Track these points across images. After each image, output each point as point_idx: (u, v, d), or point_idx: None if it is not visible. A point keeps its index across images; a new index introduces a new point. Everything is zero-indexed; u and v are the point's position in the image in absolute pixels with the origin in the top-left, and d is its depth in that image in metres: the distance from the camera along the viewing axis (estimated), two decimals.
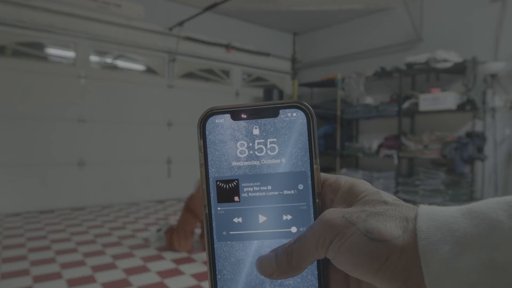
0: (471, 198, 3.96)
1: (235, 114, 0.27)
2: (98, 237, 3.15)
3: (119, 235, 3.23)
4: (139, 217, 3.98)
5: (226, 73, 5.85)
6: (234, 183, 0.27)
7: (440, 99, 4.04)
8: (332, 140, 5.42)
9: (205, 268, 2.50)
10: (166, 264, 2.55)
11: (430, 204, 0.24)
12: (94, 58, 4.59)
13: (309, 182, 0.27)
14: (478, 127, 4.10)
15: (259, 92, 6.15)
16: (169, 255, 2.73)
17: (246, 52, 5.91)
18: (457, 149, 3.96)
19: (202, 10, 4.55)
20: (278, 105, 0.27)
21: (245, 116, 0.27)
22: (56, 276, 2.28)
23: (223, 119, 0.27)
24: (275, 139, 0.27)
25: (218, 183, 0.27)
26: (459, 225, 0.21)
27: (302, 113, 0.27)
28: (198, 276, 2.34)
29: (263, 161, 0.27)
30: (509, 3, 4.00)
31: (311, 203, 0.27)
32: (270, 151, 0.27)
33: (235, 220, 0.27)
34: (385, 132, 5.07)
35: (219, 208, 0.27)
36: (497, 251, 0.19)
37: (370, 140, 5.26)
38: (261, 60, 6.13)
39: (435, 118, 4.57)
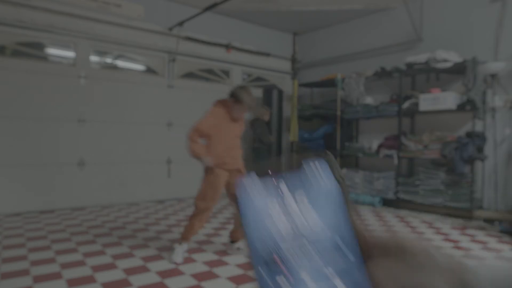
0: (471, 198, 3.96)
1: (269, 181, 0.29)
2: (98, 237, 3.15)
3: (119, 235, 3.23)
4: (139, 217, 3.98)
5: (226, 73, 5.85)
6: (276, 250, 0.27)
7: (440, 99, 4.04)
8: (332, 140, 5.41)
9: (204, 269, 2.50)
10: (166, 264, 2.55)
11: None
12: (94, 58, 4.59)
13: (348, 235, 0.27)
14: (478, 127, 4.10)
15: (259, 92, 6.15)
16: (169, 255, 2.73)
17: (246, 52, 5.91)
18: (457, 149, 3.96)
19: (202, 10, 4.55)
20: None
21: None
22: (56, 276, 2.28)
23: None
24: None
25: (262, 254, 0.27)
26: None
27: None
28: (198, 276, 2.34)
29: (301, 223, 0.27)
30: (509, 3, 4.00)
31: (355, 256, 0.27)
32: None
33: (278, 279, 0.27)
34: (385, 132, 5.07)
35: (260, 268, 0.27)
36: None
37: (370, 140, 5.26)
38: (261, 60, 6.13)
39: (435, 118, 4.57)
